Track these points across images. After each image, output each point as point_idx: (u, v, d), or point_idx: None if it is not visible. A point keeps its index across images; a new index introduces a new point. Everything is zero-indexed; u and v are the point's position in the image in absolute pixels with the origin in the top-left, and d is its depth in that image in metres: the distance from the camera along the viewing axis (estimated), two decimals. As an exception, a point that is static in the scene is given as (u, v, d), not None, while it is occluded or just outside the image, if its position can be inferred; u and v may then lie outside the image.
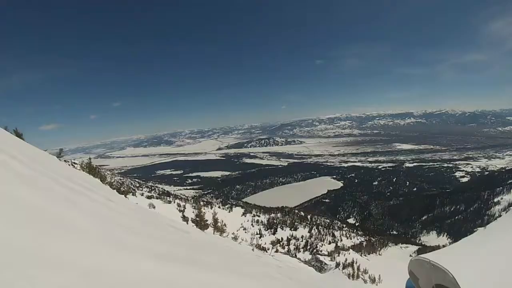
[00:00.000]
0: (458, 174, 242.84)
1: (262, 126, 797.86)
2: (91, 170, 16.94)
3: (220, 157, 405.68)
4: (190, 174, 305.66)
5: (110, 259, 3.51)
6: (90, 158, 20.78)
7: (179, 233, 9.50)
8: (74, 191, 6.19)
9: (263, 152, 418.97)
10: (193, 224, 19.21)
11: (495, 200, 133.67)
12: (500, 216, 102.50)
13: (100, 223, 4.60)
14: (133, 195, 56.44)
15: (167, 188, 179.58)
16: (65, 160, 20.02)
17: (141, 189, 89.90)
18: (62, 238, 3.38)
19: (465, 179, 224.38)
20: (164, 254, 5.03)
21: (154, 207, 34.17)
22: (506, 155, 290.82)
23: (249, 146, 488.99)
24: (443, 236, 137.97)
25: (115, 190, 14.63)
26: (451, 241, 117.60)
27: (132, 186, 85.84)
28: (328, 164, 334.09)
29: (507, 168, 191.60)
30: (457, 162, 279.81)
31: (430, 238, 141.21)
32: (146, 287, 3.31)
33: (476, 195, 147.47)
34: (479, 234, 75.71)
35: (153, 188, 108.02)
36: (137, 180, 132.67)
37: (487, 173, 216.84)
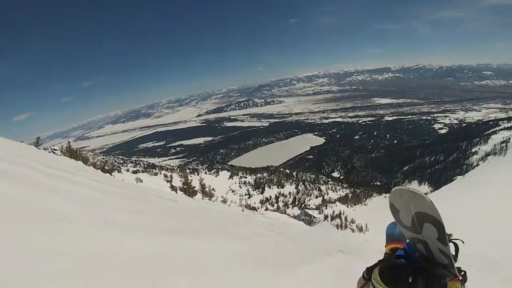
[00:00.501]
0: (436, 126, 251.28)
1: (240, 89, 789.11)
2: (72, 154, 16.72)
3: (201, 123, 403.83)
4: (173, 144, 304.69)
5: (97, 240, 3.42)
6: (69, 142, 20.39)
7: (168, 203, 9.46)
8: (55, 178, 5.99)
9: (243, 115, 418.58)
10: (182, 193, 19.24)
11: (473, 150, 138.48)
12: (477, 165, 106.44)
13: (84, 206, 4.46)
14: (118, 172, 55.93)
15: (151, 160, 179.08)
16: (44, 148, 19.50)
17: (125, 165, 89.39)
18: (48, 226, 3.26)
19: (443, 131, 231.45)
20: (152, 227, 4.97)
21: (141, 181, 33.97)
22: (482, 107, 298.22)
23: (228, 109, 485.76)
24: (424, 185, 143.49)
25: (99, 170, 14.44)
26: (432, 189, 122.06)
27: (116, 164, 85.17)
28: (309, 121, 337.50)
29: (483, 120, 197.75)
30: (435, 115, 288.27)
31: (412, 187, 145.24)
32: (135, 265, 3.26)
33: (454, 145, 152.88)
34: (458, 182, 78.64)
35: (137, 162, 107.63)
36: (120, 157, 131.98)
37: (464, 125, 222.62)
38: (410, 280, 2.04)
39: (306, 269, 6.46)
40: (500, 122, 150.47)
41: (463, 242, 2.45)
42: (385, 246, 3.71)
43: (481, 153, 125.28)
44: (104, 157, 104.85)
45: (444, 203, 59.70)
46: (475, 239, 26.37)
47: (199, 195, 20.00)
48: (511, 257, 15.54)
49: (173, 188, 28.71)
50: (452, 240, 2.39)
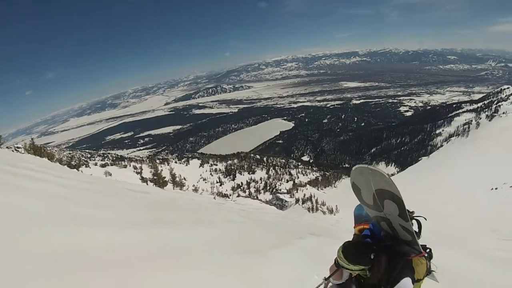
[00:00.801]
0: (402, 108, 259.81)
1: (208, 75, 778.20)
2: (36, 151, 16.16)
3: (169, 112, 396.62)
4: (141, 134, 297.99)
5: (66, 237, 3.36)
6: (32, 139, 19.57)
7: (138, 195, 9.33)
8: (20, 177, 5.81)
9: (212, 101, 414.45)
10: (152, 184, 19.00)
11: (437, 132, 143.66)
12: (442, 146, 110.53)
13: (51, 203, 4.36)
14: (86, 167, 54.58)
15: (120, 152, 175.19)
16: (7, 147, 18.66)
17: (93, 159, 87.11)
18: (13, 226, 3.18)
19: (409, 113, 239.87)
20: (124, 220, 4.93)
21: (110, 175, 33.35)
22: (446, 91, 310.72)
23: (197, 96, 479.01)
24: (391, 166, 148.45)
25: (65, 166, 14.02)
26: (399, 170, 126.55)
27: (83, 158, 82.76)
28: (278, 106, 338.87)
29: (447, 103, 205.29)
30: (401, 98, 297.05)
31: (380, 168, 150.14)
32: (110, 258, 3.23)
33: (419, 127, 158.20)
34: (423, 162, 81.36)
35: (105, 155, 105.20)
36: (87, 151, 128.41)
37: (429, 107, 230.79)
38: (372, 257, 2.14)
39: (278, 253, 6.56)
40: (463, 105, 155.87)
41: (425, 219, 2.51)
42: (354, 228, 3.91)
43: (445, 134, 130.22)
44: (71, 152, 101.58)
45: (411, 183, 61.98)
46: (441, 216, 27.67)
47: (170, 186, 19.80)
48: (474, 233, 16.40)
49: (143, 179, 28.33)
50: (415, 218, 2.46)
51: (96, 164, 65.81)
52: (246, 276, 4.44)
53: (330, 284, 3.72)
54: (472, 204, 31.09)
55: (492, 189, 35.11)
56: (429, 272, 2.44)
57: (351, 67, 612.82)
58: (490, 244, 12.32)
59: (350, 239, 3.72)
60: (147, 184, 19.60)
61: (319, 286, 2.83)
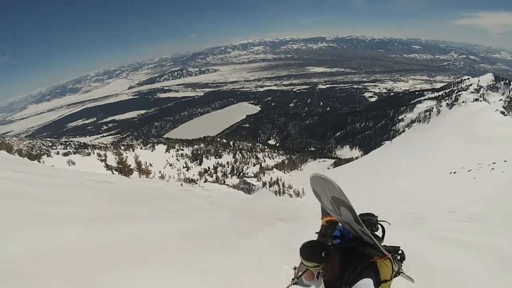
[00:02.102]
0: (367, 94, 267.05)
1: (174, 57, 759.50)
2: (-7, 143, 15.30)
3: (133, 96, 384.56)
4: (104, 120, 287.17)
5: (22, 239, 3.14)
6: (-13, 129, 18.41)
7: (103, 186, 9.04)
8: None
9: (177, 85, 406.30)
10: (117, 172, 18.46)
11: (400, 117, 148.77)
12: (404, 131, 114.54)
13: (5, 202, 4.09)
14: (48, 156, 52.56)
15: (83, 140, 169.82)
16: None
17: (55, 147, 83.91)
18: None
19: (373, 99, 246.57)
20: (86, 215, 4.71)
21: (73, 163, 32.41)
22: (410, 78, 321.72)
23: (162, 80, 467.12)
24: (355, 149, 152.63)
25: (25, 158, 13.38)
26: (362, 153, 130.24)
27: (44, 148, 79.69)
28: (244, 89, 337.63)
29: (410, 90, 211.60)
30: (366, 84, 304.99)
31: (344, 152, 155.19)
32: (69, 260, 3.06)
33: (383, 113, 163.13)
34: (386, 146, 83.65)
35: (68, 143, 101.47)
36: (48, 139, 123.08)
37: (392, 94, 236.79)
38: (322, 255, 2.22)
39: (248, 243, 6.56)
40: (425, 92, 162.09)
41: (389, 224, 2.58)
42: (321, 219, 3.99)
43: (407, 120, 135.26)
44: (31, 141, 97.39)
45: (375, 166, 63.84)
46: (403, 198, 28.64)
47: (136, 174, 19.33)
48: (434, 214, 17.09)
49: (108, 167, 27.60)
50: (379, 223, 2.55)
51: (58, 153, 63.46)
52: (213, 272, 4.37)
53: (300, 272, 3.77)
54: (432, 187, 32.33)
55: (450, 173, 36.63)
56: (397, 273, 2.47)
57: (318, 53, 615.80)
58: (447, 225, 12.85)
59: (317, 231, 3.83)
60: (112, 172, 19.02)
61: (291, 282, 2.83)
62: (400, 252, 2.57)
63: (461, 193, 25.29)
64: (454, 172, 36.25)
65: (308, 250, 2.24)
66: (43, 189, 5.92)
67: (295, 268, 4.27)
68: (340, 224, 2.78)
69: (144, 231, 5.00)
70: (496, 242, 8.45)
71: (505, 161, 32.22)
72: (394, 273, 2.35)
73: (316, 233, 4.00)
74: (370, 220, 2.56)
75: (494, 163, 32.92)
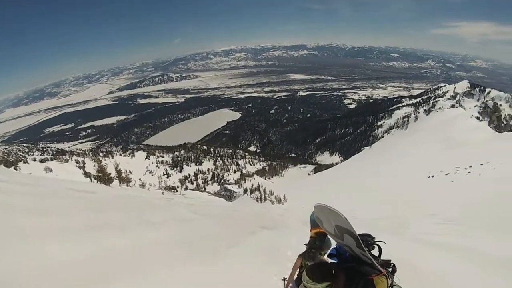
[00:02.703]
0: (346, 101, 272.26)
1: (155, 63, 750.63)
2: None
3: (113, 101, 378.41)
4: (83, 126, 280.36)
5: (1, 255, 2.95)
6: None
7: (83, 195, 8.75)
8: None
9: (158, 90, 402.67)
10: (96, 181, 18.00)
11: (378, 123, 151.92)
12: (382, 137, 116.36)
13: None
14: (24, 163, 51.18)
15: (60, 146, 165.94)
16: None
17: (32, 154, 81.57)
18: None
19: (352, 106, 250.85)
20: (66, 228, 4.49)
21: (51, 170, 31.63)
22: (388, 86, 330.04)
23: (142, 85, 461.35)
24: (335, 155, 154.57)
25: (1, 165, 12.91)
26: (342, 159, 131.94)
27: (21, 154, 77.56)
28: (225, 96, 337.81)
29: (389, 97, 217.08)
30: (345, 91, 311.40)
31: (324, 158, 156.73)
32: (46, 280, 2.86)
33: (362, 119, 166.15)
34: (365, 152, 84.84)
35: (45, 149, 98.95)
36: (25, 145, 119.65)
37: (371, 100, 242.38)
38: (333, 272, 2.41)
39: (233, 253, 6.47)
40: (403, 99, 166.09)
41: (385, 243, 2.70)
42: (310, 231, 4.11)
43: (386, 126, 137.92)
44: (7, 147, 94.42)
45: (354, 172, 64.48)
46: (384, 202, 28.92)
47: (116, 182, 18.91)
48: (415, 218, 17.33)
49: (86, 174, 26.97)
50: (375, 243, 2.68)
51: (35, 160, 61.80)
52: (206, 286, 4.25)
53: (290, 285, 3.76)
54: (411, 191, 32.81)
55: (429, 176, 37.25)
56: (391, 286, 2.55)
57: (299, 60, 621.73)
58: (429, 228, 13.08)
59: (306, 242, 3.84)
60: (91, 180, 18.55)
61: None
62: (392, 264, 2.67)
63: (440, 196, 25.71)
64: (432, 176, 36.86)
65: (320, 272, 2.38)
66: (22, 199, 5.67)
67: (284, 279, 4.24)
68: (330, 238, 2.81)
69: (130, 242, 4.85)
70: (476, 244, 8.64)
71: (481, 164, 32.95)
72: (388, 287, 2.49)
73: (305, 244, 4.03)
74: (368, 241, 2.66)
75: (470, 166, 33.63)
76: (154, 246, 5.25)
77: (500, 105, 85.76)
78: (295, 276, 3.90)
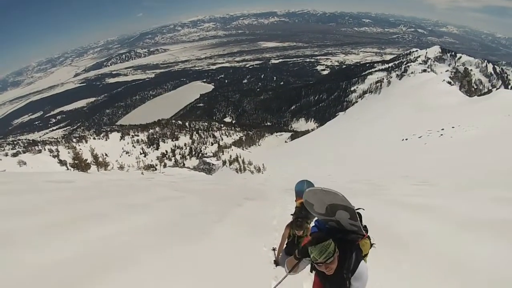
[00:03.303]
0: (319, 67, 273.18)
1: (120, 39, 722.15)
2: None
3: (80, 83, 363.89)
4: (52, 113, 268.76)
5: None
6: None
7: (61, 186, 8.65)
8: None
9: (126, 68, 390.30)
10: (73, 169, 17.62)
11: (352, 89, 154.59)
12: (356, 102, 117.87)
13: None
14: (-4, 160, 49.48)
15: (31, 136, 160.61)
16: None
17: (2, 149, 78.43)
18: None
19: (325, 72, 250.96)
20: (51, 224, 4.47)
21: (25, 164, 30.72)
22: (360, 51, 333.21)
23: (109, 64, 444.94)
24: (310, 121, 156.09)
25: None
26: (318, 125, 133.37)
27: None
28: (196, 68, 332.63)
29: (361, 62, 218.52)
30: (318, 57, 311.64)
31: (300, 124, 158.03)
32: (37, 281, 2.87)
33: (336, 85, 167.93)
34: (340, 117, 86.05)
35: (16, 142, 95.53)
36: None
37: (344, 66, 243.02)
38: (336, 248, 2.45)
39: (220, 229, 6.56)
40: (375, 64, 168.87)
41: (364, 210, 2.76)
42: (295, 201, 4.33)
43: (359, 91, 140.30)
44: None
45: (330, 137, 65.51)
46: (359, 166, 29.68)
47: (93, 167, 18.59)
48: (390, 180, 17.92)
49: (62, 163, 26.48)
50: (356, 211, 2.68)
51: (7, 155, 59.64)
52: (199, 266, 4.34)
53: (281, 254, 3.95)
54: (386, 153, 33.74)
55: (402, 139, 38.33)
56: (372, 245, 2.77)
57: (270, 27, 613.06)
58: (404, 190, 13.55)
59: (292, 212, 4.06)
60: (67, 168, 18.22)
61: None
62: (364, 226, 2.76)
63: (413, 158, 26.59)
64: (406, 139, 37.94)
65: (326, 248, 2.38)
66: (2, 199, 5.59)
67: (273, 249, 4.44)
68: (315, 221, 3.01)
69: (117, 230, 4.88)
70: (449, 203, 9.03)
71: (453, 127, 34.10)
72: (371, 246, 2.74)
73: (291, 214, 4.22)
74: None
75: (443, 129, 34.77)
76: (141, 231, 5.29)
77: (471, 70, 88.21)
78: (284, 246, 4.03)
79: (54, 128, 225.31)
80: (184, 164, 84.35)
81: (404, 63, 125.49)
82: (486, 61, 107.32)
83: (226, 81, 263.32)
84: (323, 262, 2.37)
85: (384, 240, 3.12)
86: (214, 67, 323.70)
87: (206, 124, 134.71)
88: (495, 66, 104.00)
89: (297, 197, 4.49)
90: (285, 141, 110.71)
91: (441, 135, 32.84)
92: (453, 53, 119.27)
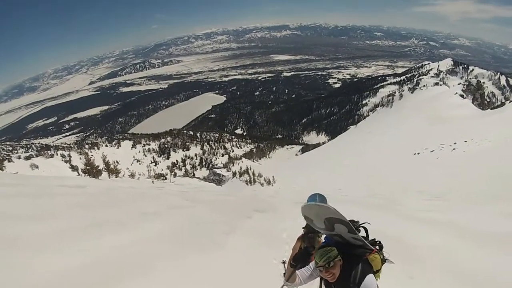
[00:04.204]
0: (331, 80, 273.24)
1: (135, 50, 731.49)
2: None
3: (95, 91, 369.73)
4: (66, 119, 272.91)
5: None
6: None
7: (73, 191, 8.70)
8: None
9: (140, 78, 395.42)
10: (84, 174, 17.74)
11: (364, 102, 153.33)
12: (368, 115, 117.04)
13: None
14: (9, 161, 50.09)
15: (44, 141, 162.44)
16: None
17: (16, 152, 79.71)
18: None
19: (337, 85, 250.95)
20: (66, 230, 4.48)
21: (37, 167, 31.07)
22: (372, 64, 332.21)
23: (123, 73, 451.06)
24: (321, 134, 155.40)
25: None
26: (329, 138, 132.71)
27: (5, 152, 75.65)
28: (209, 80, 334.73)
29: (373, 76, 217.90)
30: (330, 70, 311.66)
31: (311, 138, 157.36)
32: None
33: (347, 98, 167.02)
34: (351, 130, 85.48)
35: (29, 146, 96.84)
36: (8, 143, 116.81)
37: (356, 79, 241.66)
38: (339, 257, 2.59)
39: (231, 240, 6.53)
40: (387, 77, 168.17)
41: (370, 224, 2.85)
42: None
43: (371, 104, 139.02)
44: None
45: (342, 150, 65.07)
46: (372, 180, 29.37)
47: (104, 174, 18.69)
48: (403, 195, 17.69)
49: (73, 168, 26.70)
50: (361, 225, 2.84)
51: (20, 158, 60.50)
52: (211, 276, 4.31)
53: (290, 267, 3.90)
54: (398, 168, 33.37)
55: (415, 154, 37.92)
56: (384, 261, 2.78)
57: (282, 40, 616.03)
58: (418, 205, 13.38)
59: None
60: (79, 174, 18.33)
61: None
62: (378, 242, 2.84)
63: (426, 173, 26.24)
64: (418, 153, 37.53)
65: (327, 253, 2.55)
66: (14, 203, 5.61)
67: (284, 262, 4.37)
68: (324, 238, 3.11)
69: (131, 238, 4.87)
70: (462, 218, 8.92)
71: (465, 141, 33.64)
72: (382, 262, 2.74)
73: (303, 228, 4.17)
74: (354, 226, 2.75)
75: (455, 143, 34.30)
76: (153, 239, 5.28)
77: (483, 82, 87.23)
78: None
79: (67, 134, 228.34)
80: (194, 174, 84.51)
81: (416, 76, 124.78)
82: (499, 73, 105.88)
83: (238, 93, 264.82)
84: (324, 266, 2.49)
85: (401, 253, 3.09)
86: (226, 79, 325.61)
87: (217, 135, 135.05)
88: (508, 78, 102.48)
89: None
90: (296, 154, 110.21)
91: (454, 149, 32.41)
92: (465, 65, 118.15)
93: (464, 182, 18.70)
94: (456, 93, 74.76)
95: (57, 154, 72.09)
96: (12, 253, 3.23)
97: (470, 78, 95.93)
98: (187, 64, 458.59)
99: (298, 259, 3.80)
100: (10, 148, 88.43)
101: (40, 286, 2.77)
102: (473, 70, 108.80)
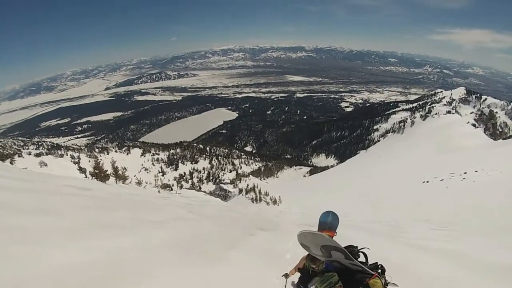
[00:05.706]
0: (343, 104, 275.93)
1: (153, 60, 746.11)
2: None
3: (110, 97, 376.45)
4: (79, 121, 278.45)
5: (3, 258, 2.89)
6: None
7: (79, 192, 8.71)
8: None
9: (155, 88, 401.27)
10: (92, 177, 17.84)
11: (375, 127, 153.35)
12: (378, 141, 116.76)
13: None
14: (19, 156, 50.82)
15: (56, 140, 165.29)
16: None
17: (26, 147, 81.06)
18: None
19: (349, 109, 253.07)
20: (66, 227, 4.45)
21: (46, 165, 31.42)
22: (385, 90, 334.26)
23: (139, 82, 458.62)
24: (331, 157, 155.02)
25: (-2, 159, 12.74)
26: (338, 162, 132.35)
27: (16, 147, 76.98)
28: (223, 95, 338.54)
29: (385, 101, 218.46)
30: (342, 94, 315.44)
31: (320, 160, 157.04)
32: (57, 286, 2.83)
33: (358, 123, 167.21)
34: (361, 155, 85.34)
35: (40, 143, 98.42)
36: (20, 138, 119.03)
37: (368, 104, 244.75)
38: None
39: (235, 255, 6.45)
40: (399, 104, 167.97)
41: (369, 249, 2.94)
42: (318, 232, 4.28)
43: (382, 130, 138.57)
44: (2, 140, 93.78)
45: (350, 175, 64.65)
46: (379, 206, 29.04)
47: (112, 179, 18.78)
48: (410, 223, 17.43)
49: (81, 170, 26.90)
50: (360, 251, 2.96)
51: (30, 154, 61.31)
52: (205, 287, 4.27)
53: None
54: (406, 195, 32.96)
55: (424, 182, 37.42)
56: (386, 284, 2.81)
57: (297, 62, 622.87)
58: (424, 233, 13.18)
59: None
60: (86, 176, 18.45)
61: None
62: (379, 266, 2.92)
63: (434, 202, 25.87)
64: (427, 182, 37.03)
65: (328, 278, 2.58)
66: (20, 196, 5.64)
67: (284, 276, 4.40)
68: (325, 264, 3.07)
69: (133, 243, 4.83)
70: (469, 249, 8.76)
71: (476, 171, 33.14)
72: (384, 286, 2.75)
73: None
74: (353, 251, 2.97)
75: (465, 173, 33.79)
76: (156, 246, 5.23)
77: (496, 112, 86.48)
78: (296, 272, 4.25)
79: (79, 136, 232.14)
80: (200, 188, 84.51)
81: (429, 103, 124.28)
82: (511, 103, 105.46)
83: (250, 111, 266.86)
84: None
85: (403, 281, 3.04)
86: (240, 95, 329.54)
87: (226, 150, 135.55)
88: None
89: (319, 229, 4.42)
90: (304, 175, 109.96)
91: (464, 178, 31.89)
92: (478, 94, 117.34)
93: (473, 212, 18.39)
94: (468, 122, 74.58)
95: (66, 155, 72.72)
96: (15, 244, 3.25)
97: (482, 108, 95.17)
98: (202, 78, 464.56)
99: (301, 274, 3.86)
100: (22, 144, 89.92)
101: (45, 278, 2.78)
102: (486, 99, 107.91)
